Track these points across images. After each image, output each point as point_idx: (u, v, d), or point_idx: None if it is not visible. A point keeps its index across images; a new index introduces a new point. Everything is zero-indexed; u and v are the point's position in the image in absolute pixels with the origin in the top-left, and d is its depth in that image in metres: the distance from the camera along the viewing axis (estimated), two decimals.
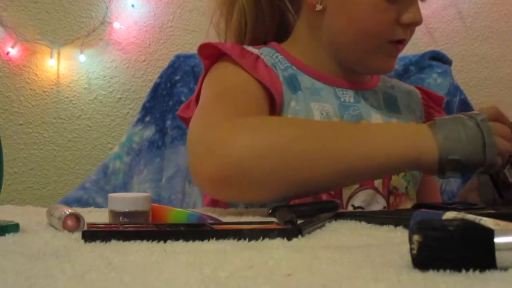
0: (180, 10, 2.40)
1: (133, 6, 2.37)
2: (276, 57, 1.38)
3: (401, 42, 1.34)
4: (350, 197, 1.31)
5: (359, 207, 1.31)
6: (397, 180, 1.36)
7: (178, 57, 1.91)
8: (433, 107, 1.48)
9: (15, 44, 2.36)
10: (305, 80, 1.36)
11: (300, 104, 1.31)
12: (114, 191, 1.72)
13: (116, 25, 2.38)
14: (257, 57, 1.33)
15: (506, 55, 2.40)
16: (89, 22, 2.39)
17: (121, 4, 2.38)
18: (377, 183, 1.33)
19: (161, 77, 1.89)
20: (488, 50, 2.39)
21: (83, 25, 2.39)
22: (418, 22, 1.31)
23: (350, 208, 1.30)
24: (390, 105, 1.42)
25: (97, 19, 2.39)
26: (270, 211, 1.05)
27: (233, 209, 1.31)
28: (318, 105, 1.33)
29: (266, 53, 1.37)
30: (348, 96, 1.37)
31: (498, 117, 1.15)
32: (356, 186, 1.32)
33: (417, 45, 2.36)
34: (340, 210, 1.10)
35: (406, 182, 1.37)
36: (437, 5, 2.37)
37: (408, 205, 1.36)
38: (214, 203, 1.39)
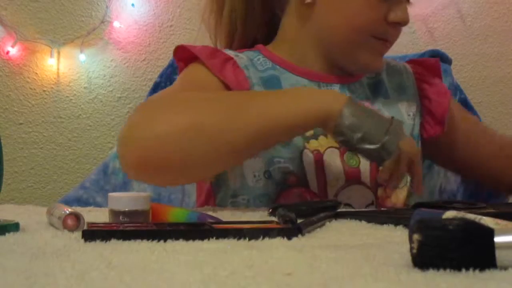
0: (180, 10, 2.40)
1: (133, 5, 2.37)
2: (258, 59, 1.38)
3: (387, 40, 1.35)
4: (336, 194, 1.32)
5: (347, 204, 1.31)
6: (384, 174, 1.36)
7: (173, 60, 1.91)
8: (426, 80, 1.47)
9: (15, 43, 2.36)
10: (288, 79, 1.37)
11: None
12: (114, 191, 1.72)
13: (116, 24, 2.38)
14: (228, 58, 1.34)
15: (506, 54, 2.40)
16: (89, 21, 2.39)
17: (121, 3, 2.38)
18: (364, 177, 1.33)
19: (161, 76, 1.89)
20: (488, 49, 2.39)
21: (83, 24, 2.39)
22: (405, 21, 1.33)
23: None
24: (377, 91, 1.42)
25: (97, 18, 2.39)
26: (270, 210, 1.05)
27: (233, 208, 1.31)
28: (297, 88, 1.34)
29: (246, 56, 1.38)
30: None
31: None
32: (342, 183, 1.32)
33: (417, 44, 2.36)
34: (340, 209, 1.10)
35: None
36: (437, 4, 2.37)
37: (401, 196, 1.36)
38: (207, 203, 1.41)
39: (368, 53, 1.34)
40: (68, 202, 1.70)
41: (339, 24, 1.34)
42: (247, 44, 1.44)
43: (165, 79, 1.88)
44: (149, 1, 2.40)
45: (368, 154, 1.16)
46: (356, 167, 1.33)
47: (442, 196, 1.72)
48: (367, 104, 1.35)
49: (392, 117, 1.18)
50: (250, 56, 1.39)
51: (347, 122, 1.12)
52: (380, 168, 1.18)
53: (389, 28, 1.33)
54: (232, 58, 1.35)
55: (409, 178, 1.37)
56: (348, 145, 1.16)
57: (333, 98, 1.16)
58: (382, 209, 1.33)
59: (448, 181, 1.76)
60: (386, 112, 1.35)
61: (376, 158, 1.15)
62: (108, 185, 1.78)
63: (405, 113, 1.41)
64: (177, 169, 1.13)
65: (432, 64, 1.51)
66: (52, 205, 0.99)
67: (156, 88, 1.89)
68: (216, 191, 1.40)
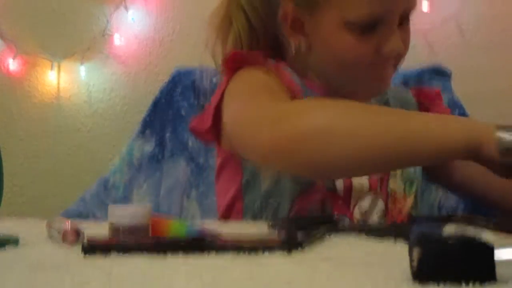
0: (180, 24, 2.41)
1: (133, 19, 2.38)
2: (285, 69, 1.39)
3: (385, 68, 1.34)
4: (358, 200, 1.33)
5: (365, 210, 1.32)
6: (394, 183, 1.36)
7: (178, 71, 1.91)
8: (427, 105, 1.48)
9: (15, 57, 2.37)
10: (310, 94, 1.38)
11: None
12: (122, 203, 1.73)
13: (116, 38, 2.39)
14: (276, 65, 1.36)
15: (505, 68, 2.40)
16: (90, 35, 2.40)
17: (122, 17, 2.39)
18: (378, 186, 1.35)
19: (161, 91, 1.89)
20: (487, 63, 2.39)
21: (84, 38, 2.40)
22: (397, 52, 1.31)
23: (356, 211, 1.31)
24: None
25: (98, 32, 2.39)
26: (271, 224, 1.05)
27: (233, 221, 1.31)
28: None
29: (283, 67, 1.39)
30: None
31: None
32: (366, 189, 1.33)
33: (416, 58, 2.35)
34: (344, 217, 1.10)
35: (403, 184, 1.38)
36: (437, 19, 2.37)
37: (406, 206, 1.37)
38: (228, 215, 1.40)
39: (367, 81, 1.34)
40: (68, 216, 1.70)
41: (333, 63, 1.35)
42: None
43: (166, 94, 1.89)
44: (149, 16, 2.40)
45: None
46: (376, 177, 1.35)
47: (441, 212, 1.72)
48: None
49: None
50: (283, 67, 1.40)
51: (507, 138, 1.05)
52: None
53: (386, 60, 1.32)
54: (278, 64, 1.37)
55: (413, 188, 1.39)
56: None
57: (480, 125, 1.09)
58: (382, 222, 1.33)
59: (447, 196, 1.76)
60: None
61: None
62: (108, 199, 1.79)
63: None
64: (314, 166, 1.13)
65: (432, 93, 1.53)
66: (52, 218, 0.98)
67: (156, 104, 1.89)
68: (246, 192, 1.39)
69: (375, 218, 1.32)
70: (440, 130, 1.07)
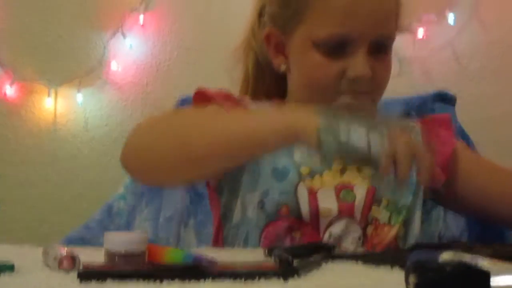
0: (177, 51, 2.41)
1: (131, 46, 2.39)
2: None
3: (355, 95, 1.33)
4: (328, 225, 1.32)
5: (337, 236, 1.31)
6: (378, 211, 1.35)
7: (182, 99, 1.92)
8: (432, 133, 1.47)
9: (12, 83, 2.37)
10: None
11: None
12: (120, 230, 1.72)
13: (113, 64, 2.40)
14: (239, 103, 1.41)
15: (501, 95, 2.41)
16: (87, 61, 2.41)
17: (119, 44, 2.40)
18: (356, 212, 1.33)
19: None
20: (484, 89, 2.40)
21: (81, 64, 2.41)
22: (361, 76, 1.30)
23: (327, 236, 1.31)
24: None
25: (95, 58, 2.40)
26: (267, 251, 1.05)
27: (229, 249, 1.31)
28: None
29: (259, 105, 1.42)
30: None
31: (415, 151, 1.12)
32: (334, 214, 1.32)
33: (414, 86, 2.37)
34: (337, 252, 1.09)
35: (388, 212, 1.37)
36: (433, 47, 2.38)
37: (390, 235, 1.35)
38: (215, 244, 1.42)
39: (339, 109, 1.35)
40: (71, 242, 1.70)
41: (302, 85, 1.38)
42: (259, 97, 1.48)
43: None
44: (146, 42, 2.41)
45: (357, 159, 1.14)
46: (350, 202, 1.34)
47: (441, 242, 1.71)
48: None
49: (374, 120, 1.15)
50: (265, 105, 1.44)
51: (323, 127, 1.11)
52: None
53: (352, 84, 1.31)
54: (243, 104, 1.41)
55: (400, 219, 1.37)
56: (332, 154, 1.15)
57: (305, 111, 1.17)
58: (374, 249, 1.33)
59: (447, 227, 1.75)
60: None
61: (366, 161, 1.12)
62: (112, 225, 1.78)
63: None
64: (149, 170, 1.28)
65: (443, 119, 1.51)
66: (47, 245, 0.98)
67: None
68: (224, 222, 1.42)
69: (349, 245, 1.31)
70: (260, 123, 1.20)
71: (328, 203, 1.33)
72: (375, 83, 1.34)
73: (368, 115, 1.19)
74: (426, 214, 1.62)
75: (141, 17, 2.40)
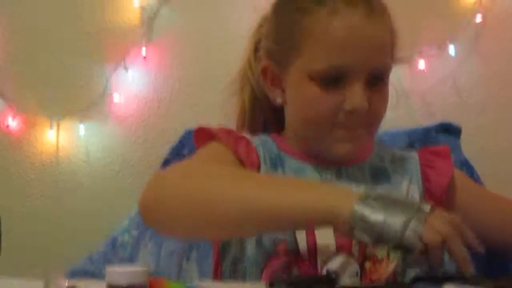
0: (179, 84, 2.42)
1: (133, 78, 2.40)
2: (268, 142, 1.43)
3: (351, 127, 1.33)
4: (325, 262, 1.31)
5: (334, 272, 1.30)
6: (376, 246, 1.34)
7: (188, 132, 1.92)
8: (431, 165, 1.46)
9: (15, 116, 2.38)
10: (290, 162, 1.40)
11: None
12: (121, 263, 1.72)
13: (116, 97, 2.40)
14: (242, 138, 1.40)
15: (502, 128, 2.41)
16: (89, 94, 2.42)
17: (121, 76, 2.41)
18: (354, 248, 1.32)
19: (171, 151, 1.89)
20: (484, 122, 2.40)
21: (83, 97, 2.41)
22: (359, 109, 1.30)
23: (324, 272, 1.30)
24: (378, 177, 1.41)
25: (97, 91, 2.41)
26: (269, 284, 1.05)
27: (231, 282, 1.30)
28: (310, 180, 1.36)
29: (259, 139, 1.43)
30: (330, 174, 1.39)
31: (453, 224, 1.10)
32: (332, 250, 1.32)
33: (414, 118, 2.37)
34: (340, 285, 1.09)
35: (386, 247, 1.35)
36: (434, 80, 2.39)
37: (389, 269, 1.34)
38: (215, 277, 1.41)
39: (332, 142, 1.34)
40: (75, 274, 1.70)
41: (298, 118, 1.39)
42: (256, 130, 1.49)
43: (175, 155, 1.88)
44: (148, 75, 2.42)
45: (389, 244, 1.14)
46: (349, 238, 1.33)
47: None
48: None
49: (414, 203, 1.12)
50: (263, 138, 1.44)
51: (357, 226, 1.09)
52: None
53: (349, 116, 1.31)
54: (245, 137, 1.41)
55: (399, 252, 1.36)
56: (367, 244, 1.15)
57: (343, 197, 1.13)
58: (378, 282, 1.32)
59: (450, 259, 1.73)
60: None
61: (399, 246, 1.12)
62: (115, 258, 1.78)
63: (406, 194, 1.40)
64: (171, 228, 1.27)
65: (443, 151, 1.49)
66: (49, 278, 0.98)
67: (165, 163, 1.89)
68: (223, 257, 1.41)
69: (346, 280, 1.30)
70: (294, 203, 1.15)
71: (326, 239, 1.32)
72: (372, 115, 1.34)
73: (407, 200, 1.18)
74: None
75: (143, 49, 2.41)
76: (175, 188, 1.24)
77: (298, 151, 1.42)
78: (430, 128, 1.80)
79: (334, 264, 1.31)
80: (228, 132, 1.42)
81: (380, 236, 1.09)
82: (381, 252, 1.34)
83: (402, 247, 1.09)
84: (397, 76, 2.37)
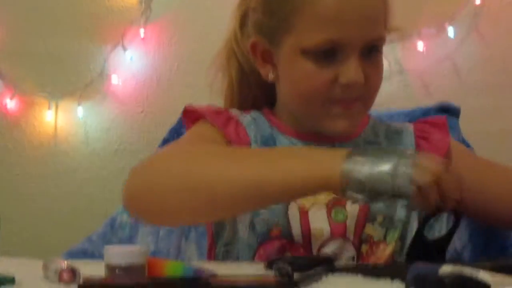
0: (177, 63, 2.42)
1: (131, 59, 2.39)
2: (260, 119, 1.41)
3: (347, 102, 1.31)
4: (320, 247, 1.31)
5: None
6: (372, 228, 1.33)
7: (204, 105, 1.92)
8: (426, 137, 1.44)
9: (13, 96, 2.38)
10: (282, 139, 1.38)
11: None
12: (120, 245, 1.72)
13: (114, 78, 2.40)
14: (232, 117, 1.38)
15: (500, 108, 2.41)
16: (87, 75, 2.41)
17: (120, 57, 2.40)
18: (348, 232, 1.32)
19: (170, 130, 1.89)
20: (483, 103, 2.40)
21: (81, 78, 2.41)
22: (355, 82, 1.27)
23: None
24: None
25: (95, 72, 2.41)
26: (267, 263, 1.05)
27: (229, 262, 1.30)
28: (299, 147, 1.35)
29: (250, 116, 1.41)
30: None
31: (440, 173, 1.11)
32: (327, 236, 1.31)
33: (412, 98, 2.37)
34: (337, 263, 1.09)
35: (384, 229, 1.34)
36: (432, 60, 2.39)
37: (386, 252, 1.34)
38: (210, 252, 1.41)
39: (328, 118, 1.31)
40: (73, 255, 1.70)
41: (293, 94, 1.35)
42: (246, 107, 1.46)
43: (173, 134, 1.88)
44: (147, 55, 2.42)
45: (388, 203, 1.14)
46: (343, 222, 1.32)
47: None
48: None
49: (398, 150, 1.12)
50: (254, 116, 1.42)
51: (348, 187, 1.10)
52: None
53: (345, 90, 1.29)
54: (235, 116, 1.39)
55: (396, 234, 1.35)
56: (362, 203, 1.15)
57: (331, 159, 1.13)
58: (379, 263, 1.31)
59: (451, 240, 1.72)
60: None
61: (397, 201, 1.12)
62: (114, 238, 1.78)
63: None
64: (166, 214, 1.20)
65: (439, 122, 1.47)
66: (48, 258, 0.98)
67: (164, 143, 1.89)
68: (216, 240, 1.41)
69: (343, 262, 1.29)
70: (287, 173, 1.13)
71: (319, 223, 1.32)
72: (368, 88, 1.31)
73: (391, 148, 1.15)
74: (429, 227, 1.61)
75: (142, 30, 2.40)
76: (163, 172, 1.20)
77: (291, 128, 1.40)
78: (429, 108, 1.79)
79: (329, 248, 1.30)
80: (217, 111, 1.40)
81: (373, 191, 1.09)
82: (378, 234, 1.34)
83: (396, 195, 1.08)
84: (395, 56, 2.38)
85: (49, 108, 2.38)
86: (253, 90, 1.47)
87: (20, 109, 2.39)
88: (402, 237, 1.35)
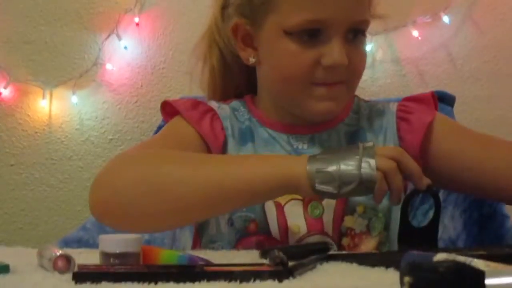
0: (172, 52, 2.41)
1: (126, 47, 2.39)
2: (240, 110, 1.41)
3: (329, 84, 1.30)
4: (298, 242, 1.30)
5: None
6: (352, 220, 1.32)
7: (182, 99, 1.91)
8: (406, 118, 1.40)
9: (7, 85, 2.37)
10: (261, 132, 1.38)
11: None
12: (115, 232, 1.72)
13: (108, 66, 2.39)
14: (209, 110, 1.37)
15: (496, 97, 2.41)
16: (82, 63, 2.40)
17: (114, 45, 2.39)
18: (326, 227, 1.31)
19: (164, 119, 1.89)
20: (478, 91, 2.40)
21: (76, 66, 2.40)
22: (338, 64, 1.26)
23: None
24: (353, 139, 1.38)
25: (90, 60, 2.40)
26: (261, 252, 1.05)
27: (224, 250, 1.30)
28: (263, 154, 1.34)
29: (230, 106, 1.40)
30: (302, 142, 1.37)
31: (398, 155, 1.13)
32: (304, 231, 1.30)
33: (407, 87, 2.37)
34: (332, 252, 1.09)
35: (366, 220, 1.33)
36: (428, 48, 2.39)
37: (371, 244, 1.33)
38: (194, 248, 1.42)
39: (311, 100, 1.30)
40: (68, 243, 1.70)
41: (274, 77, 1.33)
42: (229, 96, 1.46)
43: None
44: (141, 44, 2.41)
45: (357, 194, 1.15)
46: (319, 217, 1.31)
47: (438, 244, 1.69)
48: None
49: (359, 145, 1.14)
50: (235, 106, 1.41)
51: (317, 179, 1.11)
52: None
53: (328, 72, 1.28)
54: (212, 110, 1.38)
55: (381, 225, 1.35)
56: (332, 197, 1.16)
57: (294, 161, 1.15)
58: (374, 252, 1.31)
59: (444, 229, 1.73)
60: None
61: (365, 193, 1.13)
62: (109, 226, 1.78)
63: None
64: (132, 220, 1.18)
65: (424, 97, 1.44)
66: (42, 246, 0.98)
67: (159, 130, 1.89)
68: (200, 236, 1.41)
69: None
70: (251, 174, 1.14)
71: (296, 219, 1.31)
72: (352, 71, 1.30)
73: (352, 146, 1.17)
74: (414, 216, 1.60)
75: (136, 19, 2.40)
76: (125, 180, 1.18)
77: (270, 118, 1.39)
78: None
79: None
80: (194, 105, 1.38)
81: (341, 181, 1.10)
82: (359, 226, 1.33)
83: (363, 183, 1.10)
84: (390, 44, 2.38)
85: (43, 97, 2.37)
86: (235, 79, 1.46)
87: (14, 97, 2.39)
88: (386, 227, 1.34)
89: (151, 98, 2.40)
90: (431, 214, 1.19)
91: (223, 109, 1.39)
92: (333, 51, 1.26)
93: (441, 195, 1.69)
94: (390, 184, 1.11)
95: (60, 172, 2.40)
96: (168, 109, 1.42)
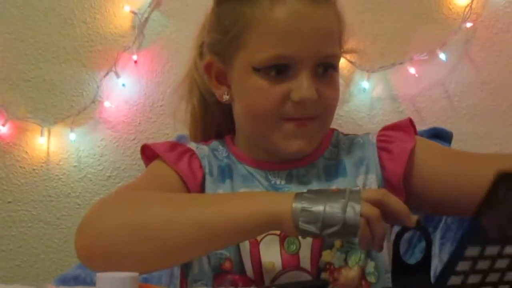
0: (170, 89, 2.42)
1: (123, 85, 2.39)
2: (219, 149, 1.42)
3: (300, 119, 1.31)
4: (273, 280, 1.29)
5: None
6: (330, 255, 1.31)
7: (180, 137, 1.92)
8: (386, 147, 1.40)
9: (5, 122, 2.37)
10: (240, 168, 1.38)
11: (227, 192, 1.35)
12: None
13: (106, 104, 2.40)
14: (187, 150, 1.38)
15: (493, 133, 2.42)
16: (80, 100, 2.41)
17: (112, 83, 2.40)
18: (303, 262, 1.30)
19: None
20: (475, 128, 2.41)
21: (74, 103, 2.41)
22: (307, 98, 1.27)
23: None
24: (333, 173, 1.39)
25: (88, 98, 2.40)
26: None
27: None
28: (247, 191, 1.35)
29: (209, 146, 1.42)
30: (280, 178, 1.37)
31: (383, 197, 1.13)
32: (278, 268, 1.30)
33: None
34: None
35: (343, 254, 1.33)
36: (424, 85, 2.40)
37: (350, 275, 1.33)
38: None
39: (282, 138, 1.32)
40: (65, 281, 1.69)
41: (246, 114, 1.35)
42: (210, 136, 1.47)
43: None
44: (139, 81, 2.42)
45: (338, 237, 1.15)
46: (295, 253, 1.31)
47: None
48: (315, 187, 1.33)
49: (345, 189, 1.14)
50: (214, 146, 1.43)
51: (301, 218, 1.10)
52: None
53: (297, 107, 1.29)
54: (190, 150, 1.39)
55: (362, 256, 1.34)
56: (315, 237, 1.15)
57: (280, 198, 1.15)
58: None
59: (442, 249, 1.71)
60: None
61: (346, 236, 1.13)
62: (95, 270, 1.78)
63: (361, 186, 1.37)
64: (117, 263, 1.16)
65: (402, 124, 1.45)
66: (40, 284, 0.98)
67: None
68: (185, 276, 1.41)
69: None
70: (237, 212, 1.14)
71: (271, 256, 1.30)
72: (323, 106, 1.31)
73: (339, 192, 1.15)
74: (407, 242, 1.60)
75: (134, 56, 2.41)
76: (109, 223, 1.19)
77: (248, 156, 1.39)
78: (421, 133, 1.80)
79: (282, 281, 1.29)
80: (172, 147, 1.39)
81: (324, 223, 1.10)
82: (337, 260, 1.32)
83: (346, 228, 1.10)
84: (387, 81, 2.39)
85: (41, 135, 2.38)
86: (216, 119, 1.47)
87: (12, 134, 2.39)
88: (364, 259, 1.34)
89: (149, 135, 2.41)
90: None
91: (201, 149, 1.41)
92: (302, 86, 1.27)
93: (439, 231, 1.69)
94: (373, 231, 1.10)
95: (58, 210, 2.39)
96: (148, 153, 1.43)
